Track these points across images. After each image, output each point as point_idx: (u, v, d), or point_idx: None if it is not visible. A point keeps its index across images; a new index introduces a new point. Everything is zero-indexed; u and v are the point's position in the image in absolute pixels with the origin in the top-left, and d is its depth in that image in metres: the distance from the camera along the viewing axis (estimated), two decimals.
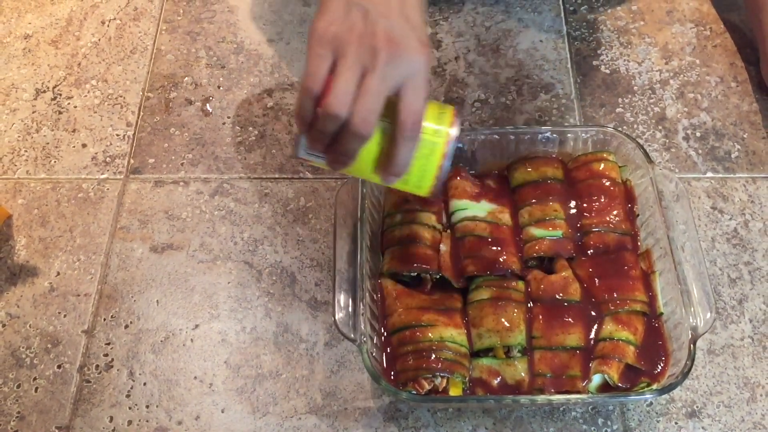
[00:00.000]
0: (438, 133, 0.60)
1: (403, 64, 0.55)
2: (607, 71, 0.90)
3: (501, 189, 0.75)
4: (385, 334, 0.68)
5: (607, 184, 0.73)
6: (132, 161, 0.85)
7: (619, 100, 0.88)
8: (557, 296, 0.68)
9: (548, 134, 0.76)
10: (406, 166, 0.59)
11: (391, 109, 0.56)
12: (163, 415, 0.70)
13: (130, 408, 0.70)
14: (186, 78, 0.91)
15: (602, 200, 0.73)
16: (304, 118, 0.57)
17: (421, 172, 0.61)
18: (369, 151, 0.59)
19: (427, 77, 0.57)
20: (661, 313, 0.68)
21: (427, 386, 0.64)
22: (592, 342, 0.67)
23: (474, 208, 0.73)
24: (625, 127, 0.86)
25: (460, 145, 0.73)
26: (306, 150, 0.60)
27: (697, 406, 0.69)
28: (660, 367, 0.65)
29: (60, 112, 0.89)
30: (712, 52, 0.92)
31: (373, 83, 0.54)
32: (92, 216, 0.81)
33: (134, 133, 0.87)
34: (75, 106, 0.89)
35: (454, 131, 0.60)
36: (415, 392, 0.64)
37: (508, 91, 0.89)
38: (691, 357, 0.62)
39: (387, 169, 0.59)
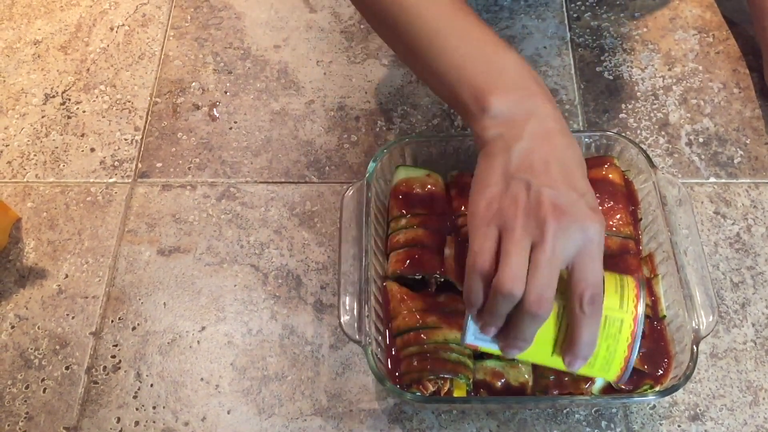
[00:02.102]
0: (623, 308, 0.55)
1: (574, 233, 0.51)
2: (611, 77, 0.91)
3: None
4: (390, 336, 0.68)
5: (611, 188, 0.74)
6: (140, 165, 0.86)
7: (623, 105, 0.89)
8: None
9: None
10: (591, 347, 0.54)
11: (565, 284, 0.52)
12: (169, 416, 0.70)
13: (137, 409, 0.71)
14: (193, 83, 0.92)
15: (606, 204, 0.73)
16: (474, 300, 0.53)
17: (609, 353, 0.55)
18: (546, 332, 0.54)
19: (602, 246, 0.53)
20: (664, 316, 0.68)
21: (431, 388, 0.65)
22: None
23: None
24: (628, 133, 0.86)
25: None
26: (476, 335, 0.56)
27: (699, 409, 0.70)
28: (663, 370, 0.66)
29: (69, 117, 0.90)
30: (715, 58, 0.92)
31: (545, 257, 0.51)
32: (100, 219, 0.82)
33: (142, 138, 0.88)
34: (84, 111, 0.90)
35: (641, 306, 0.55)
36: (419, 394, 0.64)
37: None
38: (694, 359, 0.63)
39: (571, 352, 0.54)
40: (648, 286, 0.70)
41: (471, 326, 0.56)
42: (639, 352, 0.56)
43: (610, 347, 0.55)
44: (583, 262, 0.52)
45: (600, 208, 0.72)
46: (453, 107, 0.62)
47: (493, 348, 0.56)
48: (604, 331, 0.55)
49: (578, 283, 0.52)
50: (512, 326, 0.53)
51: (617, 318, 0.55)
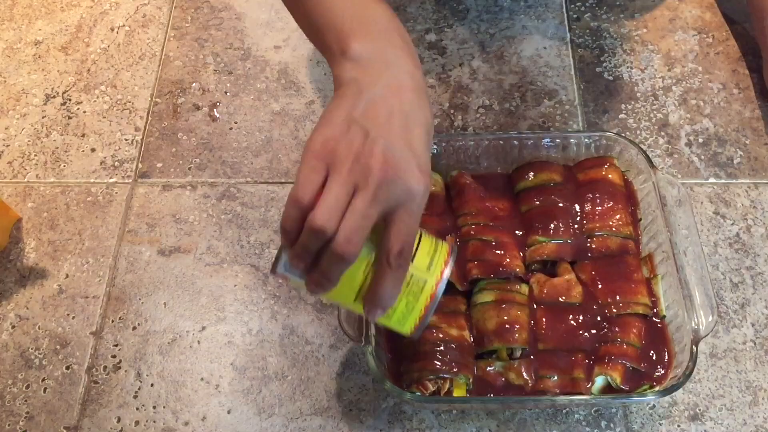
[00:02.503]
0: (430, 270, 0.57)
1: (397, 188, 0.52)
2: (611, 78, 0.91)
3: (505, 193, 0.76)
4: (390, 336, 0.68)
5: (610, 188, 0.74)
6: (140, 165, 0.86)
7: (622, 106, 0.89)
8: (560, 299, 0.69)
9: (551, 140, 0.77)
10: (391, 300, 0.55)
11: (380, 236, 0.53)
12: (169, 415, 0.71)
13: (137, 408, 0.71)
14: (194, 84, 0.92)
15: (605, 204, 0.73)
16: (289, 230, 0.53)
17: (407, 309, 0.57)
18: (352, 278, 0.55)
19: (422, 207, 0.53)
20: (664, 316, 0.68)
21: (431, 387, 0.65)
22: (595, 344, 0.67)
23: (478, 213, 0.74)
24: (628, 133, 0.86)
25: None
26: (286, 267, 0.56)
27: (699, 409, 0.70)
28: (662, 370, 0.66)
29: (69, 117, 0.90)
30: (715, 59, 0.92)
31: (363, 203, 0.51)
32: (101, 219, 0.82)
33: (142, 138, 0.88)
34: (84, 112, 0.91)
35: (447, 271, 0.57)
36: (419, 393, 0.65)
37: (512, 97, 0.90)
38: (693, 359, 0.63)
39: (371, 300, 0.55)
40: (648, 286, 0.70)
41: (284, 257, 0.55)
42: (434, 312, 0.57)
43: (409, 303, 0.57)
44: (399, 217, 0.53)
45: (599, 208, 0.72)
46: (320, 50, 0.64)
47: (300, 282, 0.57)
48: (407, 287, 0.56)
49: (390, 236, 0.53)
50: (320, 264, 0.54)
51: (422, 278, 0.56)
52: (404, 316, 0.57)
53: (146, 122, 0.90)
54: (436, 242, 0.59)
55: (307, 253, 0.53)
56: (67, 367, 0.73)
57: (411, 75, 0.57)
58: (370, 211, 0.51)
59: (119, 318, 0.76)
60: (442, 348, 0.66)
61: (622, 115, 0.88)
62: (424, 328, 0.58)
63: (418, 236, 0.57)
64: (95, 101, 0.91)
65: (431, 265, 0.57)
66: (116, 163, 0.86)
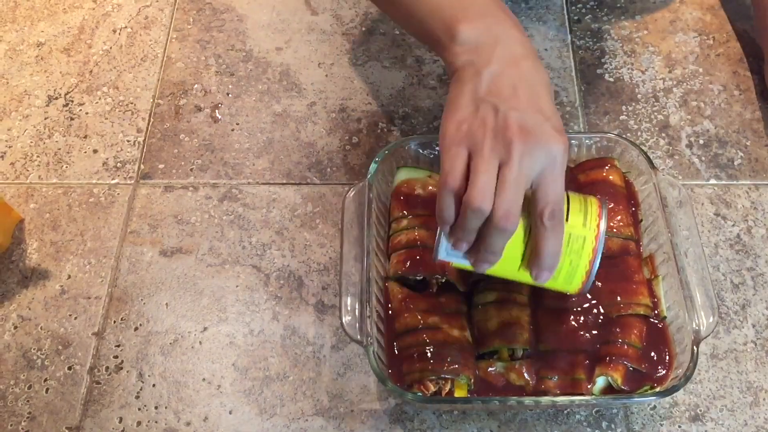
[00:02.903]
0: (586, 226, 0.59)
1: (539, 153, 0.54)
2: (611, 79, 0.92)
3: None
4: (391, 336, 0.69)
5: (611, 189, 0.74)
6: (142, 167, 0.86)
7: (623, 107, 0.89)
8: (561, 299, 0.69)
9: None
10: (555, 260, 0.58)
11: (531, 203, 0.56)
12: (171, 416, 0.71)
13: (139, 409, 0.71)
14: (195, 85, 0.93)
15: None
16: (446, 217, 0.56)
17: (572, 268, 0.59)
18: (514, 248, 0.58)
19: (564, 165, 0.56)
20: (665, 317, 0.69)
21: (432, 388, 0.65)
22: (596, 345, 0.67)
23: None
24: (628, 135, 0.87)
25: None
26: (448, 251, 0.59)
27: (700, 410, 0.70)
28: (663, 371, 0.66)
29: (72, 119, 0.90)
30: (715, 60, 0.93)
31: (512, 175, 0.54)
32: (103, 220, 0.83)
33: (144, 139, 0.88)
34: (86, 113, 0.91)
35: (603, 224, 0.59)
36: (420, 394, 0.65)
37: None
38: (694, 359, 0.63)
39: (537, 264, 0.58)
40: (649, 286, 0.70)
41: (443, 243, 0.59)
42: (598, 265, 0.60)
43: (573, 262, 0.59)
44: (546, 180, 0.55)
45: None
46: (427, 43, 0.66)
47: (464, 263, 0.60)
48: (567, 247, 0.58)
49: (541, 199, 0.55)
50: (482, 241, 0.56)
51: (580, 235, 0.59)
52: (570, 275, 0.60)
53: (148, 123, 0.90)
54: (585, 199, 0.61)
55: (468, 234, 0.56)
56: (69, 368, 0.74)
57: (522, 44, 0.59)
58: (520, 182, 0.54)
59: (121, 318, 0.76)
60: (443, 349, 0.66)
61: (622, 117, 0.88)
62: (591, 284, 0.61)
63: (565, 197, 0.59)
64: (97, 102, 0.92)
65: (586, 222, 0.59)
66: (118, 164, 0.87)
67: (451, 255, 0.59)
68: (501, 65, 0.58)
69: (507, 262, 0.59)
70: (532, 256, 0.58)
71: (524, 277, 0.60)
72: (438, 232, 0.59)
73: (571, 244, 0.58)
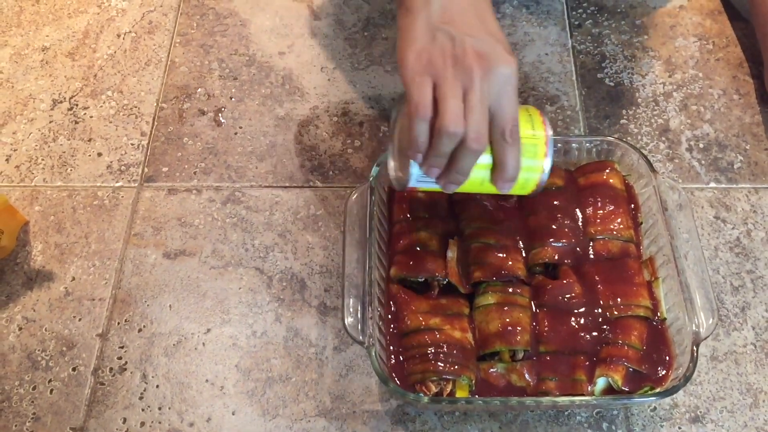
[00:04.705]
0: (535, 135, 0.63)
1: (496, 76, 0.57)
2: (612, 84, 0.92)
3: (507, 197, 0.76)
4: (393, 338, 0.69)
5: (612, 192, 0.75)
6: (146, 170, 0.87)
7: (624, 111, 0.90)
8: (562, 301, 0.69)
9: (553, 144, 0.77)
10: (517, 171, 0.62)
11: (490, 121, 0.59)
12: (175, 416, 0.71)
13: (143, 410, 0.72)
14: (199, 89, 0.93)
15: (607, 208, 0.74)
16: (420, 145, 0.59)
17: (527, 174, 0.64)
18: (478, 164, 0.61)
19: (517, 84, 0.59)
20: (665, 319, 0.69)
21: (434, 389, 0.65)
22: (596, 346, 0.68)
23: (481, 216, 0.74)
24: (629, 139, 0.87)
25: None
26: (418, 179, 0.62)
27: (700, 412, 0.70)
28: (663, 372, 0.66)
29: (76, 122, 0.91)
30: (715, 65, 0.93)
31: (476, 99, 0.57)
32: (107, 223, 0.83)
33: (148, 143, 0.89)
34: (91, 116, 0.92)
35: (549, 131, 0.64)
36: (422, 395, 0.65)
37: None
38: (694, 360, 0.63)
39: (501, 177, 0.61)
40: (649, 288, 0.70)
41: (414, 173, 0.62)
42: (551, 167, 0.64)
43: (528, 169, 0.64)
44: (503, 101, 0.58)
45: (600, 212, 0.73)
46: None
47: (432, 187, 0.63)
48: (522, 156, 0.62)
49: (501, 118, 0.58)
50: (453, 164, 0.60)
51: (531, 144, 0.63)
52: (526, 181, 0.64)
53: (152, 127, 0.90)
54: (527, 109, 0.65)
55: (441, 159, 0.59)
56: (74, 369, 0.74)
57: None
58: (484, 104, 0.57)
59: (125, 320, 0.77)
60: (444, 350, 0.67)
61: (623, 121, 0.89)
62: (541, 190, 0.66)
63: None
64: (102, 106, 0.92)
65: (534, 130, 0.64)
66: (122, 168, 0.87)
67: (421, 182, 0.63)
68: None
69: (472, 179, 0.62)
70: (496, 171, 0.61)
71: (488, 189, 0.64)
72: (409, 161, 0.61)
73: (525, 153, 0.62)
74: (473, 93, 0.57)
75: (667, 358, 0.67)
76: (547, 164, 0.64)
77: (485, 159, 0.61)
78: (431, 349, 0.67)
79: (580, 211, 0.75)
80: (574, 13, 0.99)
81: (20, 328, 0.76)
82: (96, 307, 0.78)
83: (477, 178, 0.62)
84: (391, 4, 1.00)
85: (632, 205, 0.76)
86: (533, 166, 0.64)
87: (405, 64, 0.59)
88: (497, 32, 0.60)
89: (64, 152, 0.89)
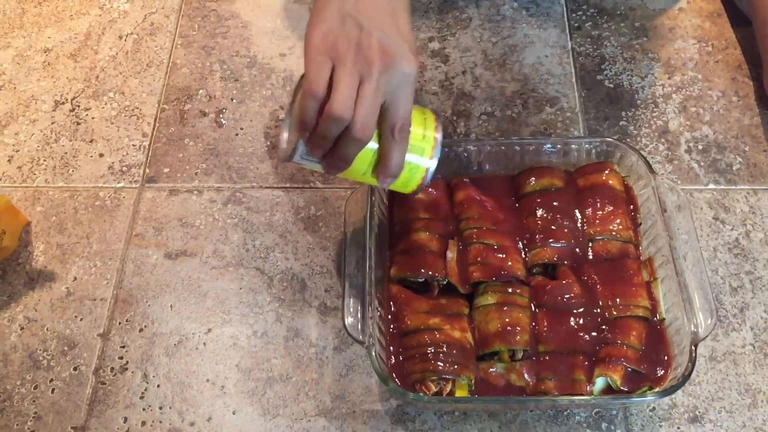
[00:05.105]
0: (425, 137, 0.65)
1: (395, 73, 0.58)
2: (611, 85, 0.93)
3: (506, 198, 0.77)
4: (393, 337, 0.69)
5: (611, 193, 0.75)
6: (147, 170, 0.87)
7: (623, 113, 0.90)
8: (561, 302, 0.70)
9: (553, 145, 0.78)
10: (400, 168, 0.63)
11: (382, 116, 0.60)
12: (175, 416, 0.71)
13: (144, 409, 0.72)
14: (200, 91, 0.94)
15: (606, 209, 0.74)
16: (307, 122, 0.60)
17: (411, 173, 0.65)
18: (363, 155, 0.62)
19: (415, 85, 0.60)
20: (663, 319, 0.69)
21: (433, 388, 0.66)
22: (595, 346, 0.68)
23: (480, 217, 0.75)
24: (628, 140, 0.87)
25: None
26: (302, 156, 0.63)
27: (699, 412, 0.71)
28: (662, 372, 0.67)
29: (78, 123, 0.92)
30: (714, 67, 0.94)
31: (370, 90, 0.58)
32: (108, 223, 0.84)
33: (150, 144, 0.90)
34: (93, 118, 0.92)
35: (439, 135, 0.65)
36: (422, 394, 0.65)
37: (514, 104, 0.91)
38: (692, 360, 0.64)
39: (383, 172, 0.63)
40: (648, 289, 0.71)
41: (301, 148, 0.62)
42: (436, 172, 0.66)
43: (413, 169, 0.65)
44: (398, 99, 0.59)
45: (599, 213, 0.73)
46: None
47: (316, 167, 0.65)
48: (408, 155, 0.64)
49: (392, 115, 0.60)
50: (337, 149, 0.61)
51: (420, 146, 0.64)
52: (408, 179, 0.66)
53: (153, 128, 0.91)
54: (423, 112, 0.66)
55: (326, 141, 0.60)
56: (75, 368, 0.74)
57: None
58: (377, 97, 0.58)
59: (126, 320, 0.77)
60: (444, 350, 0.67)
61: (622, 122, 0.89)
62: (423, 189, 0.68)
63: None
64: (103, 107, 0.93)
65: (426, 134, 0.65)
66: (124, 168, 0.88)
67: (305, 159, 0.63)
68: None
69: (356, 167, 0.63)
70: (380, 164, 0.63)
71: (370, 180, 0.65)
72: (297, 136, 0.62)
73: (411, 152, 0.64)
74: (368, 84, 0.58)
75: (666, 358, 0.67)
76: (431, 165, 0.65)
77: (372, 150, 0.62)
78: (431, 349, 0.67)
79: (580, 212, 0.75)
80: (573, 15, 0.99)
81: (22, 328, 0.77)
82: (97, 307, 0.78)
83: (360, 168, 0.64)
84: None
85: (631, 206, 0.76)
86: (418, 165, 0.65)
87: (309, 42, 0.59)
88: (407, 32, 0.61)
89: (66, 153, 0.89)
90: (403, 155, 0.63)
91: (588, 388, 0.67)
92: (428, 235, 0.73)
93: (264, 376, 0.73)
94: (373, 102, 0.58)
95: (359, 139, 0.59)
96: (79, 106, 0.93)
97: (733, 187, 0.84)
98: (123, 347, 0.75)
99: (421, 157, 0.65)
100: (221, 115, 0.92)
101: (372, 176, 0.65)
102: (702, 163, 0.86)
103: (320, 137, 0.60)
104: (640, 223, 0.75)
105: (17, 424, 0.71)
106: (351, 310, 0.68)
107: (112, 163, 0.88)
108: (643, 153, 0.82)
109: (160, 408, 0.72)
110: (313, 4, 0.63)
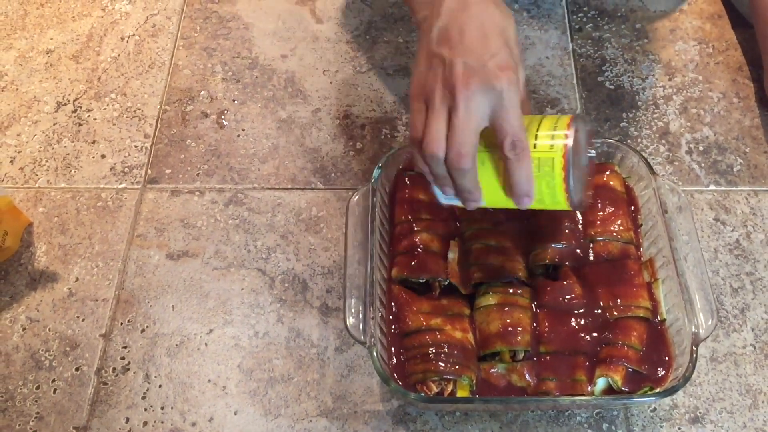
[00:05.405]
0: (553, 147, 0.60)
1: (486, 94, 0.57)
2: (612, 87, 0.93)
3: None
4: (394, 338, 0.69)
5: (612, 194, 0.75)
6: (149, 171, 0.88)
7: (624, 114, 0.90)
8: (562, 302, 0.70)
9: None
10: (528, 185, 0.60)
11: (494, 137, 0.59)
12: (177, 416, 0.72)
13: (145, 409, 0.72)
14: (202, 92, 0.94)
15: (607, 210, 0.74)
16: (421, 167, 0.61)
17: (551, 188, 0.61)
18: (495, 181, 0.61)
19: (515, 96, 0.57)
20: (664, 320, 0.69)
21: (435, 389, 0.66)
22: (596, 347, 0.68)
23: (481, 218, 0.75)
24: (629, 141, 0.88)
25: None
26: (442, 197, 0.64)
27: (699, 412, 0.71)
28: (663, 372, 0.67)
29: (80, 124, 0.92)
30: (715, 68, 0.94)
31: (458, 119, 0.57)
32: (110, 224, 0.84)
33: (152, 145, 0.90)
34: (95, 119, 0.92)
35: (570, 141, 0.60)
36: (423, 394, 0.66)
37: None
38: (693, 360, 0.64)
39: (513, 191, 0.60)
40: (648, 289, 0.71)
41: (437, 191, 0.64)
42: (575, 179, 0.61)
43: (549, 183, 0.61)
44: (498, 116, 0.58)
45: (600, 214, 0.73)
46: (406, 4, 0.71)
47: (460, 204, 0.64)
48: (539, 171, 0.60)
49: (499, 133, 0.58)
50: (454, 182, 0.61)
51: (548, 158, 0.60)
52: (553, 195, 0.61)
53: (155, 129, 0.91)
54: (558, 119, 0.62)
55: (442, 179, 0.61)
56: (77, 369, 0.75)
57: None
58: (468, 124, 0.57)
59: (128, 321, 0.77)
60: (445, 350, 0.67)
61: (623, 124, 0.89)
62: (583, 198, 0.63)
63: (538, 123, 0.62)
64: (105, 109, 0.93)
65: (554, 142, 0.60)
66: (126, 169, 0.88)
67: (448, 199, 0.64)
68: (448, 15, 0.60)
69: (493, 194, 0.62)
70: (507, 186, 0.61)
71: (512, 204, 0.62)
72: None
73: (542, 168, 0.60)
74: (456, 113, 0.57)
75: (667, 358, 0.67)
76: (568, 178, 0.60)
77: (496, 174, 0.61)
78: (432, 350, 0.67)
79: (581, 213, 0.75)
80: (574, 17, 1.00)
81: (24, 329, 0.77)
82: (99, 308, 0.78)
83: (499, 194, 0.62)
84: (392, 8, 1.01)
85: (632, 207, 0.76)
86: (554, 181, 0.60)
87: (410, 91, 0.61)
88: (496, 48, 0.58)
89: (68, 154, 0.89)
90: (524, 171, 0.59)
91: (589, 389, 0.67)
92: (429, 235, 0.73)
93: (265, 376, 0.74)
94: (464, 129, 0.57)
95: (458, 168, 0.58)
96: (81, 108, 0.93)
97: (734, 188, 0.84)
98: (125, 347, 0.76)
99: (552, 169, 0.60)
100: (223, 117, 0.92)
101: (509, 199, 0.62)
102: (703, 165, 0.86)
103: (435, 177, 0.61)
104: (641, 224, 0.75)
105: (19, 425, 0.71)
106: (352, 310, 0.68)
107: (114, 164, 0.88)
108: (643, 154, 0.82)
109: (162, 408, 0.72)
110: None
